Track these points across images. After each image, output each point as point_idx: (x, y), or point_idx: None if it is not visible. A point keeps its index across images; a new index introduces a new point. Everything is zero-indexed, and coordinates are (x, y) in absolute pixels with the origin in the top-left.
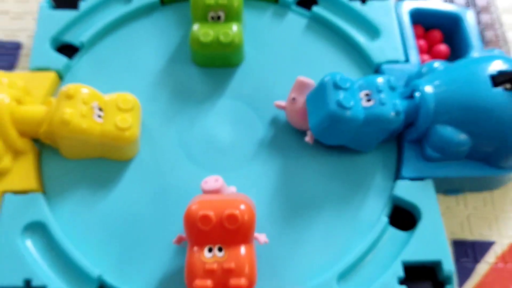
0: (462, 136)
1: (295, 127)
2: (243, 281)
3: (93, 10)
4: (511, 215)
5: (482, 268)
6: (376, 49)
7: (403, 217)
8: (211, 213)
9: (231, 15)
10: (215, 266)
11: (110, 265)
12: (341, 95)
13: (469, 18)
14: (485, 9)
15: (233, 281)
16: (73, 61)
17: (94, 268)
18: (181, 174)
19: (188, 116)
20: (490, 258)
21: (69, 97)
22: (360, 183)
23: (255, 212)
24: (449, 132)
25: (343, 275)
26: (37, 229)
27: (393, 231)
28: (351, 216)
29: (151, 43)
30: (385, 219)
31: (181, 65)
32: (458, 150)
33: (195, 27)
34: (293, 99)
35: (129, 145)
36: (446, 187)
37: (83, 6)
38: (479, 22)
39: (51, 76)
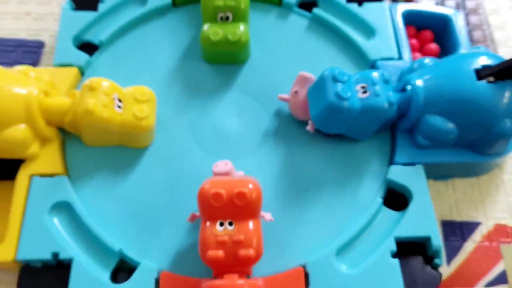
0: (450, 125)
1: (297, 118)
2: (251, 251)
3: (111, 11)
4: (496, 199)
5: (469, 246)
6: (372, 47)
7: (396, 199)
8: (222, 191)
9: (239, 16)
10: (226, 238)
11: (130, 241)
12: (339, 87)
13: (458, 20)
14: (474, 11)
15: (242, 252)
16: (93, 58)
17: (116, 243)
18: (192, 160)
19: (198, 108)
20: (476, 237)
21: (92, 89)
22: (357, 168)
23: (261, 191)
24: (438, 122)
25: (341, 250)
26: (63, 208)
27: (386, 211)
28: (349, 197)
29: (164, 41)
30: (379, 200)
31: (192, 62)
32: (446, 138)
33: (205, 26)
34: (296, 92)
35: (145, 133)
36: (436, 173)
37: (101, 7)
38: (468, 23)
39: (73, 71)
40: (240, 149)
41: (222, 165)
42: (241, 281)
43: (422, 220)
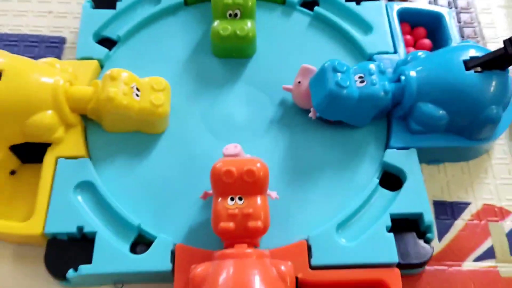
0: (441, 112)
1: (300, 107)
2: (259, 223)
3: (127, 9)
4: (484, 181)
5: (459, 224)
6: (369, 42)
7: (391, 180)
8: (233, 169)
9: (246, 13)
10: (236, 211)
11: (147, 217)
12: (339, 76)
13: (450, 17)
14: (465, 9)
15: (251, 223)
16: (111, 52)
17: (135, 218)
18: (203, 144)
19: (209, 98)
20: (466, 216)
21: (112, 78)
22: (356, 151)
23: (268, 170)
24: (429, 109)
25: (341, 225)
26: (86, 187)
27: (382, 191)
28: (348, 178)
29: (177, 37)
30: (376, 181)
31: (202, 56)
32: (438, 124)
33: (216, 23)
34: (299, 82)
35: (161, 119)
36: (428, 157)
37: (119, 5)
38: (459, 21)
39: (94, 64)
40: (248, 135)
41: (232, 147)
42: (249, 250)
43: (415, 198)
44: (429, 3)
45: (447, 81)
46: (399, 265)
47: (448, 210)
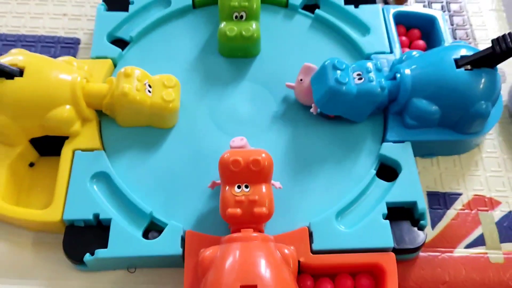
0: (434, 107)
1: (302, 103)
2: (264, 209)
3: (139, 12)
4: (475, 173)
5: (451, 214)
6: (367, 43)
7: (387, 172)
8: (240, 158)
9: (251, 15)
10: (243, 198)
11: (159, 205)
12: (339, 74)
13: (443, 20)
14: (458, 12)
15: (257, 210)
16: (124, 51)
17: (147, 207)
18: (211, 138)
19: (216, 95)
20: (458, 206)
21: (126, 75)
22: (354, 145)
23: (272, 160)
24: (423, 104)
25: (340, 213)
26: (102, 177)
27: (379, 182)
28: (347, 170)
29: (186, 38)
30: (373, 172)
31: (209, 55)
32: (431, 118)
33: (222, 24)
34: (301, 80)
35: (172, 114)
36: (422, 151)
37: (131, 8)
38: (452, 23)
39: (108, 63)
40: (253, 130)
41: (238, 140)
42: (255, 234)
43: (409, 188)
44: (424, 6)
45: (440, 78)
46: (394, 250)
47: (441, 201)
